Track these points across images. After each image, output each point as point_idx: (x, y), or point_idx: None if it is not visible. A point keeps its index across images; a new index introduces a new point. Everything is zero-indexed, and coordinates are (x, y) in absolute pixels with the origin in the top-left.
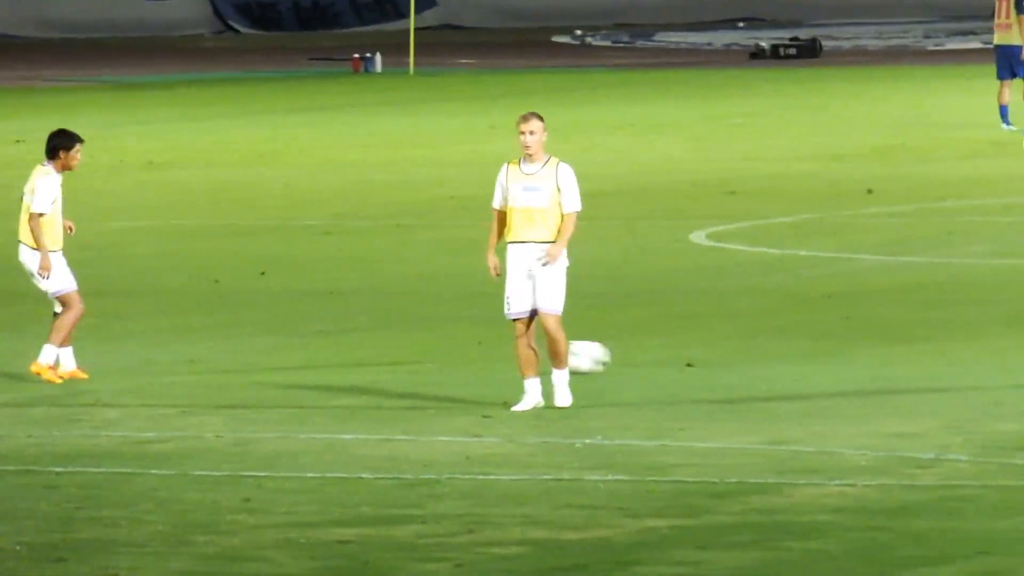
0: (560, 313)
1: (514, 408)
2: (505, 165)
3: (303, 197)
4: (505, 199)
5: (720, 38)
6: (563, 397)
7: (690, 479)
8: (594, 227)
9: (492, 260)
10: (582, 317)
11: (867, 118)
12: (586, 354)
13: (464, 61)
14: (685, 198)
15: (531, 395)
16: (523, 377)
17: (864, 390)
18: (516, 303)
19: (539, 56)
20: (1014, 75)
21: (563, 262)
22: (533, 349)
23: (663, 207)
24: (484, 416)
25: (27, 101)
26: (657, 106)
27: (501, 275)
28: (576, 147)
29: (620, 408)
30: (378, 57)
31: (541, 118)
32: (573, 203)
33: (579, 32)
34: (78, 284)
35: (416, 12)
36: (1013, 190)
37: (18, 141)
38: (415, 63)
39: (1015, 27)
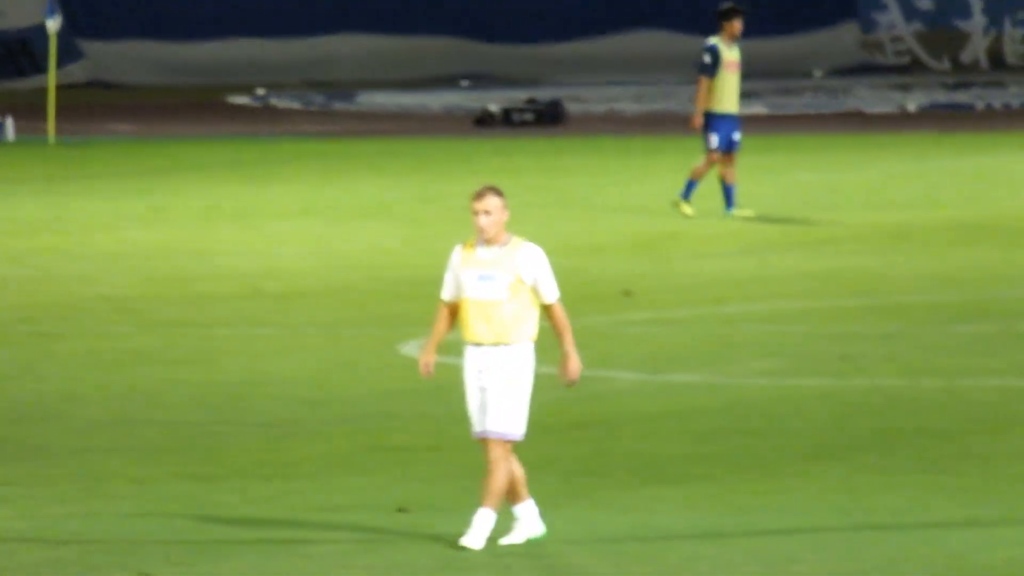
0: (509, 437)
1: (503, 541)
2: (458, 247)
3: None
4: (459, 289)
5: (438, 100)
6: (473, 538)
7: None
8: (285, 336)
9: (426, 356)
10: (270, 449)
11: (624, 201)
12: None
13: (119, 127)
14: (397, 300)
15: (523, 523)
16: (510, 504)
17: (623, 541)
18: (476, 421)
19: (212, 121)
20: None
21: (522, 372)
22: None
23: (370, 312)
24: (142, 573)
25: None
26: (361, 185)
27: (432, 376)
28: (259, 235)
29: (311, 560)
30: (9, 122)
31: (499, 193)
32: (551, 292)
33: (261, 91)
34: None
35: (58, 66)
36: (808, 291)
37: None
38: (56, 130)
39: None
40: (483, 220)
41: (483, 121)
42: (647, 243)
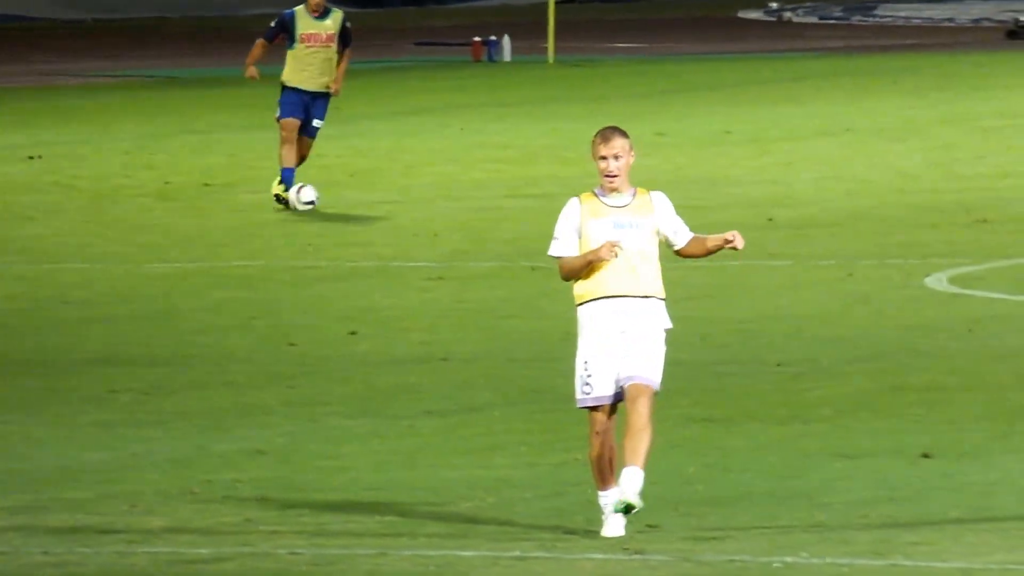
0: (657, 386)
1: (606, 533)
2: (574, 200)
3: (408, 231)
4: (586, 242)
5: (966, 11)
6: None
7: None
8: (797, 269)
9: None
10: (782, 388)
11: None
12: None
13: (621, 45)
14: (921, 229)
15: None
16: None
17: None
18: (598, 383)
19: (720, 37)
20: None
21: (663, 328)
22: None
23: (891, 241)
24: (649, 525)
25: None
26: (882, 104)
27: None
28: (769, 161)
29: (828, 511)
30: (506, 40)
31: (626, 134)
32: (686, 234)
33: (775, 5)
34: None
35: None
36: None
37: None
38: (555, 49)
39: None
40: (611, 165)
41: (1015, 33)
42: None
